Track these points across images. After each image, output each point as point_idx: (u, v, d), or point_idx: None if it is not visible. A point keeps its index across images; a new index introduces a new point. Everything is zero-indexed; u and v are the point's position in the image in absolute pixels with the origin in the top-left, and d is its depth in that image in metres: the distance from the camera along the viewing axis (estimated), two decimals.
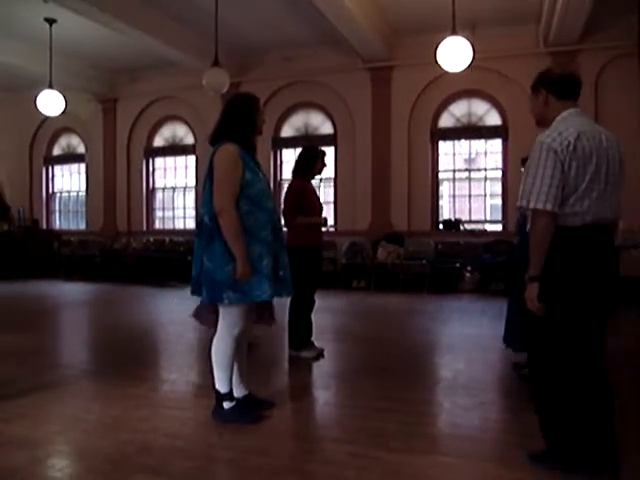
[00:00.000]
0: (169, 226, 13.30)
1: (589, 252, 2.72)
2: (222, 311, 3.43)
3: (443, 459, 3.00)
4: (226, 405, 3.45)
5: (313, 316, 5.52)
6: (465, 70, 8.00)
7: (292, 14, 9.39)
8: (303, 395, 4.19)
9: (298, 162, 5.32)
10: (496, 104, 10.59)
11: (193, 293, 3.53)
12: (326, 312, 8.23)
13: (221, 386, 3.46)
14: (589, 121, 2.93)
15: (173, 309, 8.48)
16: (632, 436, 3.14)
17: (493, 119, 10.72)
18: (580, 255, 2.70)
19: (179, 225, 13.22)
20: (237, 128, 3.46)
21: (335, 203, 11.69)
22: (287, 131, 11.97)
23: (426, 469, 2.87)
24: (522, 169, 4.37)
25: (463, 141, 11.29)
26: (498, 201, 11.09)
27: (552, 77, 2.97)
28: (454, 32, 7.34)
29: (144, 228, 13.26)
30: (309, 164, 5.28)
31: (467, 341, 6.05)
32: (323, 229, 5.43)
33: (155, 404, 3.89)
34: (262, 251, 3.35)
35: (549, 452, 2.85)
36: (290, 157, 12.20)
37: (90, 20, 8.91)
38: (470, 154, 11.74)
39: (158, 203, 13.53)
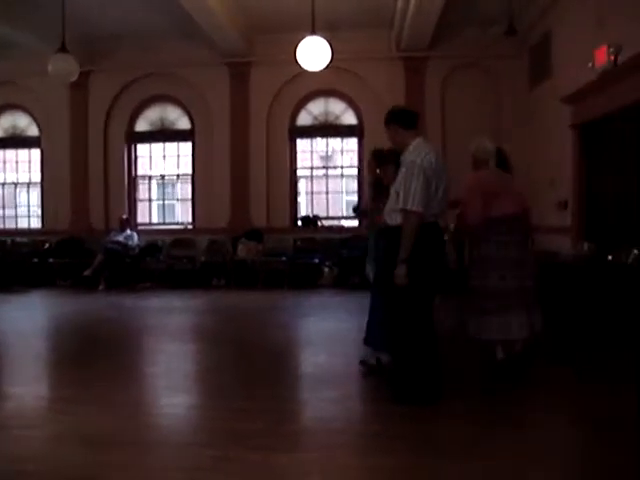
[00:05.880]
0: (11, 225, 12.16)
1: (437, 239, 3.88)
2: None
3: (308, 455, 3.05)
4: None
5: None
6: (323, 70, 8.16)
7: (150, 3, 8.97)
8: (163, 399, 4.04)
9: None
10: (352, 104, 10.93)
11: None
12: (184, 312, 8.05)
13: None
14: (433, 146, 4.04)
15: (16, 316, 7.79)
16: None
17: (349, 118, 11.05)
18: (433, 241, 3.81)
19: (23, 224, 12.13)
20: None
21: (193, 200, 11.42)
22: (142, 125, 11.45)
23: (291, 467, 2.90)
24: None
25: (321, 139, 11.54)
26: (354, 197, 11.44)
27: (399, 113, 4.01)
28: (314, 32, 7.45)
29: None
30: None
31: (327, 335, 6.19)
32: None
33: None
34: None
35: (401, 395, 3.73)
36: (145, 152, 11.72)
37: None
38: (327, 152, 12.03)
39: None
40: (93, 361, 5.13)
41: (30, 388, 4.36)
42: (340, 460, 2.95)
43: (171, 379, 4.65)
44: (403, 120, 3.95)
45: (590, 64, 7.06)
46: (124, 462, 2.92)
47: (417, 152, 3.79)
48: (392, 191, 3.94)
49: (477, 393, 4.05)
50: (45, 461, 2.94)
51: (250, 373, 4.70)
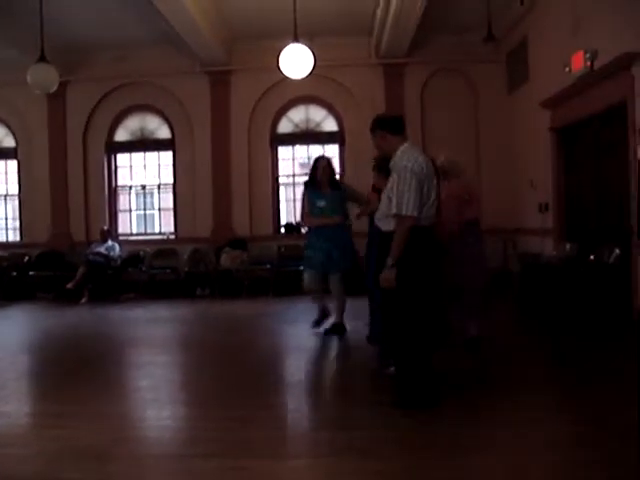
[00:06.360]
0: None
1: (433, 243, 3.83)
2: None
3: (311, 461, 3.04)
4: None
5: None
6: (303, 77, 8.19)
7: (128, 12, 8.91)
8: (157, 411, 4.00)
9: None
10: (332, 110, 10.97)
11: None
12: (170, 323, 7.98)
13: None
14: (420, 150, 4.08)
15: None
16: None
17: (330, 125, 11.09)
18: (428, 246, 3.77)
19: (0, 238, 11.92)
20: None
21: (175, 209, 11.34)
22: (122, 135, 11.34)
23: (296, 473, 2.90)
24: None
25: (302, 146, 11.54)
26: None
27: (386, 119, 4.05)
28: (296, 39, 7.47)
29: None
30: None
31: (315, 342, 6.14)
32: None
33: None
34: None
35: (401, 400, 3.71)
36: (125, 162, 11.63)
37: None
38: (309, 159, 12.03)
39: None
40: (82, 375, 5.04)
41: (16, 405, 4.27)
42: (346, 465, 2.94)
43: (163, 391, 4.61)
44: (391, 126, 3.95)
45: (567, 69, 7.20)
46: (125, 476, 2.88)
47: (407, 157, 3.78)
48: (384, 197, 3.93)
49: (475, 392, 4.07)
50: (41, 477, 2.89)
51: (242, 382, 4.67)
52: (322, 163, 6.34)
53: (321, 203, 6.18)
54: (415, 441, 3.23)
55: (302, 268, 6.51)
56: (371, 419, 3.59)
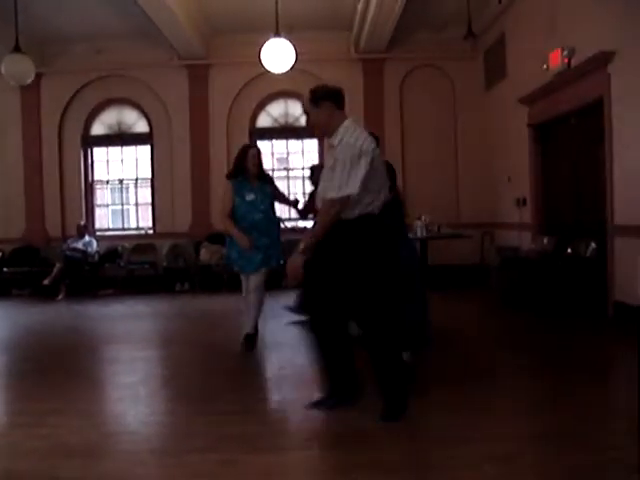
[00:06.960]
0: None
1: (387, 232, 3.46)
2: None
3: (304, 454, 3.06)
4: None
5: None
6: (284, 72, 8.17)
7: (104, 3, 8.79)
8: (145, 408, 3.98)
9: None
10: None
11: None
12: (151, 318, 7.94)
13: None
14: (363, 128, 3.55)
15: None
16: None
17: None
18: (384, 234, 3.42)
19: None
20: None
21: (153, 204, 11.24)
22: (98, 129, 11.18)
23: (297, 465, 2.92)
24: None
25: (281, 140, 11.52)
26: None
27: (333, 90, 3.49)
28: (277, 33, 7.45)
29: None
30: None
31: (298, 336, 6.13)
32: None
33: None
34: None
35: (332, 393, 3.58)
36: (102, 156, 11.48)
37: None
38: (288, 153, 12.04)
39: None
40: (63, 372, 4.96)
41: None
42: (342, 456, 2.97)
43: (148, 386, 4.58)
44: (337, 98, 3.46)
45: (545, 66, 7.32)
46: (121, 471, 2.87)
47: (356, 134, 3.34)
48: (326, 181, 3.40)
49: (463, 388, 4.10)
50: (36, 475, 2.86)
51: (227, 376, 4.67)
52: (252, 152, 5.51)
53: (250, 196, 5.43)
54: (408, 431, 3.26)
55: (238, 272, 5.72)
56: (360, 410, 3.61)
